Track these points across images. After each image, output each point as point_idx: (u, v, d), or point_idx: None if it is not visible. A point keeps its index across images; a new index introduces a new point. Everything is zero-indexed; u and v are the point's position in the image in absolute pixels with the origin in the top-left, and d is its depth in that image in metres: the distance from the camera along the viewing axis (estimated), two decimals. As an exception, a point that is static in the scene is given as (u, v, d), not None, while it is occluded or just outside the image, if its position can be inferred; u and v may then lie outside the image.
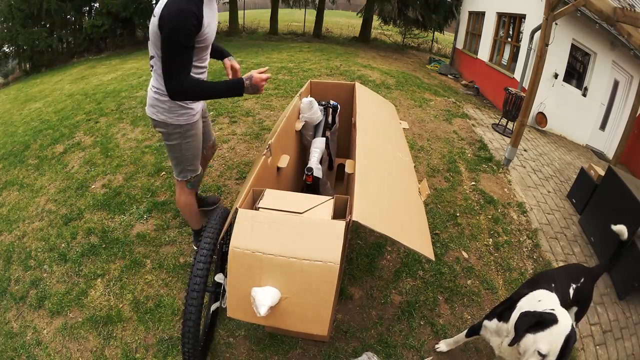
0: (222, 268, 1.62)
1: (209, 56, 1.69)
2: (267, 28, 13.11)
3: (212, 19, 1.51)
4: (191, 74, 1.50)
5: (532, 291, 1.38)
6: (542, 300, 1.30)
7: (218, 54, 1.87)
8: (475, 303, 2.10)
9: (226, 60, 1.87)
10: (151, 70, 1.63)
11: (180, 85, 1.41)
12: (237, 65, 1.86)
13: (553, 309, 1.20)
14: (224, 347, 1.75)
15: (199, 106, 1.73)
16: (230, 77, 1.82)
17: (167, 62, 1.39)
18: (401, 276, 2.21)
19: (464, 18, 10.06)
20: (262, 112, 4.19)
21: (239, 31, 12.71)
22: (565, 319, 1.17)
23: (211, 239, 1.37)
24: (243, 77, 1.53)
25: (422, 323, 1.95)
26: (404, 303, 2.04)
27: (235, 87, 1.52)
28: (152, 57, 1.56)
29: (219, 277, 1.49)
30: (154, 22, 1.41)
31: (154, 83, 1.62)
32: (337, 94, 2.48)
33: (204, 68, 1.68)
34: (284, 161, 1.82)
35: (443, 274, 2.26)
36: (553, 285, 1.46)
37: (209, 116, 2.09)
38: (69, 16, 11.25)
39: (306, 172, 1.88)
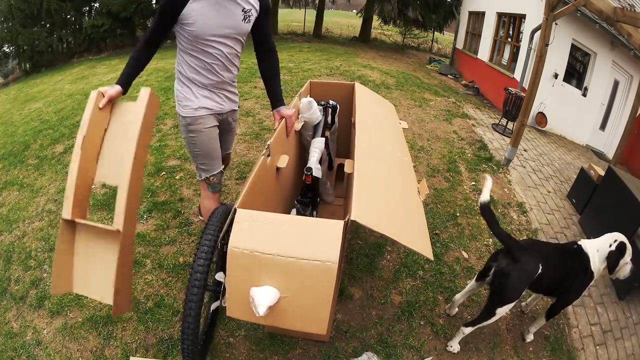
0: (222, 266, 1.62)
1: (220, 68, 1.62)
2: (267, 28, 13.09)
3: (211, 18, 1.46)
4: (190, 65, 1.57)
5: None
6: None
7: (271, 99, 1.87)
8: (475, 303, 2.10)
9: (275, 112, 1.86)
10: None
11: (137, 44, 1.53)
12: (286, 113, 1.83)
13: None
14: (224, 347, 1.75)
15: (204, 102, 1.64)
16: (277, 125, 1.79)
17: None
18: (401, 276, 2.21)
19: (464, 18, 10.06)
20: (262, 112, 4.19)
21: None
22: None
23: (212, 235, 1.36)
24: None
25: (422, 323, 1.95)
26: (404, 303, 2.04)
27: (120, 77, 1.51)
28: None
29: (219, 276, 1.48)
30: None
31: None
32: (336, 94, 2.48)
33: (211, 77, 1.61)
34: (284, 161, 1.82)
35: (443, 274, 2.26)
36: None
37: (236, 125, 1.97)
38: (69, 16, 11.26)
39: (305, 172, 1.88)
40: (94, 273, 1.27)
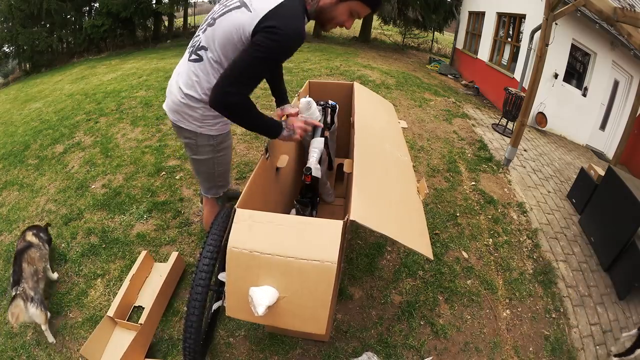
0: (224, 267, 1.62)
1: None
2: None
3: None
4: None
5: None
6: None
7: (276, 98, 1.84)
8: (475, 303, 2.10)
9: (279, 110, 1.83)
10: (191, 60, 1.34)
11: (234, 98, 1.20)
12: (290, 111, 1.77)
13: None
14: (224, 347, 1.75)
15: None
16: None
17: (241, 69, 1.17)
18: (401, 276, 2.21)
19: (464, 18, 10.06)
20: (262, 112, 4.18)
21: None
22: None
23: (218, 235, 1.37)
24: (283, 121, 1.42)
25: (422, 323, 1.95)
26: (404, 303, 2.04)
27: (274, 127, 1.39)
28: (203, 48, 1.30)
29: (222, 276, 1.48)
30: (247, 18, 1.18)
31: (186, 84, 1.35)
32: (335, 94, 2.48)
33: None
34: (283, 161, 1.82)
35: (443, 274, 2.25)
36: None
37: None
38: (69, 16, 11.28)
39: (304, 172, 1.88)
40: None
